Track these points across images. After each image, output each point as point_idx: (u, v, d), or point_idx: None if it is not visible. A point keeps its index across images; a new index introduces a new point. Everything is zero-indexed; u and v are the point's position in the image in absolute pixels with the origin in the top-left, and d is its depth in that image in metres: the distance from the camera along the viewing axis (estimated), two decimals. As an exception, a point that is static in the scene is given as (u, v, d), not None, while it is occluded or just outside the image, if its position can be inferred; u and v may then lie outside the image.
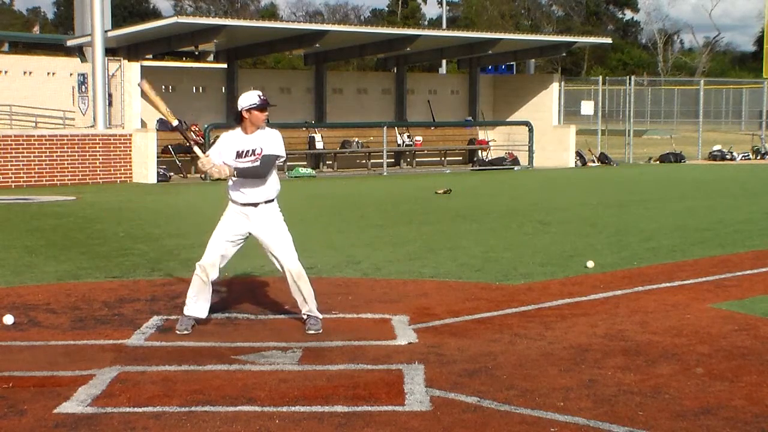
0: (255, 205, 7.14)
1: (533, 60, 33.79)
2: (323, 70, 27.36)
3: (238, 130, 7.17)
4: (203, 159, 7.14)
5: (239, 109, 7.12)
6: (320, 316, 7.31)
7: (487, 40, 28.05)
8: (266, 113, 7.16)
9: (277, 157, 7.13)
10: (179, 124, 7.41)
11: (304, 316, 7.30)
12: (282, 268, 7.24)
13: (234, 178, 7.11)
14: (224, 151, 7.15)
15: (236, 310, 7.98)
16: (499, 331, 7.22)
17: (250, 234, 7.25)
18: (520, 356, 6.51)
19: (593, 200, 17.75)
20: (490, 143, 29.05)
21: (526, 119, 28.14)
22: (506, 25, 73.27)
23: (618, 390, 5.74)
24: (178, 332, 7.12)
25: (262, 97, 7.14)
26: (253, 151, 7.07)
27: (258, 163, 7.06)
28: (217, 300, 8.23)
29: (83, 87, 23.07)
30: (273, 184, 7.21)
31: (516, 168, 27.20)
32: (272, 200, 7.22)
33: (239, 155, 7.10)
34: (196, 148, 7.30)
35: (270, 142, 7.12)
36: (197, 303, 7.25)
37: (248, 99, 7.13)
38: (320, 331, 7.16)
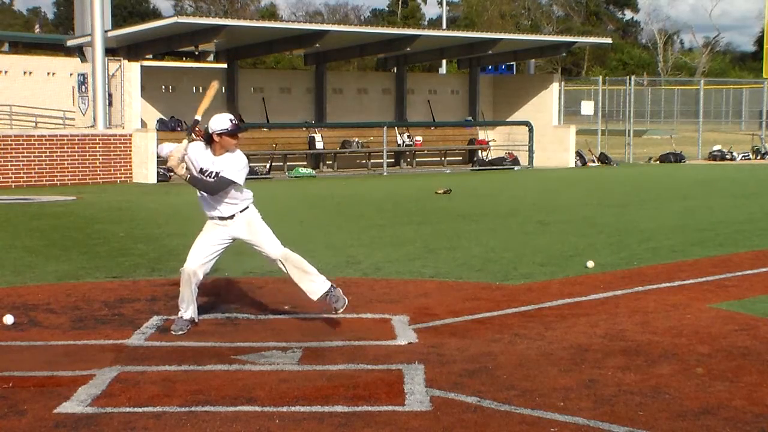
0: (231, 217, 7.19)
1: (533, 60, 33.81)
2: (323, 70, 27.36)
3: (209, 149, 7.09)
4: (179, 148, 7.07)
5: (210, 132, 7.02)
6: (335, 286, 7.26)
7: (487, 40, 28.06)
8: (237, 139, 7.07)
9: (231, 182, 7.05)
10: (195, 122, 7.29)
11: (326, 299, 7.21)
12: (272, 259, 7.27)
13: (186, 180, 7.14)
14: (192, 162, 7.10)
15: (236, 310, 7.98)
16: (499, 331, 7.22)
17: (234, 239, 7.27)
18: (520, 356, 6.51)
19: (593, 200, 17.76)
20: (490, 143, 29.05)
21: (526, 119, 28.14)
22: (506, 25, 73.26)
23: (618, 390, 5.74)
24: (173, 333, 7.13)
25: (233, 122, 7.05)
26: (217, 173, 7.04)
27: (213, 184, 7.04)
28: (217, 300, 8.25)
29: (83, 87, 23.07)
30: (243, 196, 7.21)
31: (516, 168, 27.20)
32: (247, 208, 7.23)
33: (202, 172, 7.09)
34: (185, 141, 7.14)
35: (229, 165, 7.04)
36: (189, 308, 7.27)
37: (220, 123, 7.00)
38: (346, 303, 7.15)
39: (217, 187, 7.06)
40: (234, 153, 7.12)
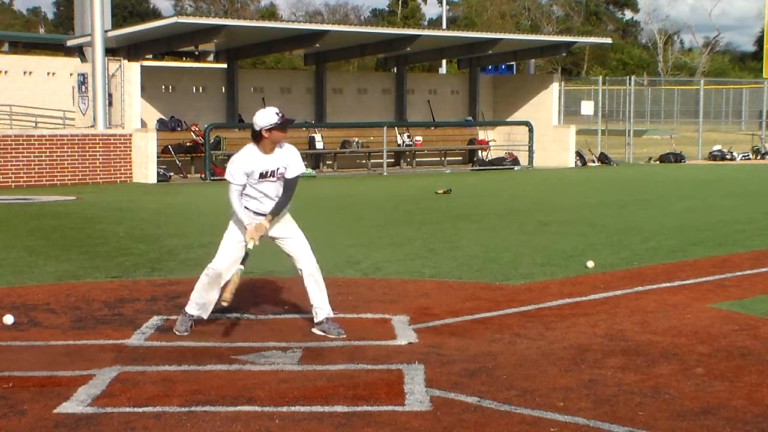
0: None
1: (533, 60, 33.80)
2: (323, 70, 27.36)
3: (255, 148, 6.94)
4: (255, 228, 6.95)
5: (258, 129, 6.89)
6: (332, 315, 7.22)
7: (487, 40, 28.06)
8: (286, 132, 6.97)
9: (299, 176, 7.05)
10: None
11: (322, 319, 7.17)
12: (300, 265, 7.15)
13: (267, 220, 6.99)
14: (248, 173, 6.94)
15: (236, 310, 7.97)
16: (499, 331, 7.22)
17: (265, 237, 7.11)
18: (520, 356, 6.51)
19: (593, 200, 17.76)
20: (490, 143, 29.06)
21: (526, 119, 28.14)
22: (506, 25, 73.25)
23: (618, 390, 5.74)
24: (177, 333, 7.10)
25: (280, 115, 6.90)
26: (277, 170, 6.96)
27: (287, 193, 6.97)
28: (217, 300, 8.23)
29: (83, 87, 23.07)
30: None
31: (516, 168, 27.20)
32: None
33: (263, 176, 6.94)
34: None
35: (293, 160, 7.00)
36: (203, 305, 7.17)
37: (267, 118, 6.87)
38: (341, 334, 7.05)
39: (293, 189, 7.00)
40: (284, 147, 7.01)
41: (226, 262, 7.12)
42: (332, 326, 7.11)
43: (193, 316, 7.20)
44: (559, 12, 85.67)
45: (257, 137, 6.93)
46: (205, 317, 7.27)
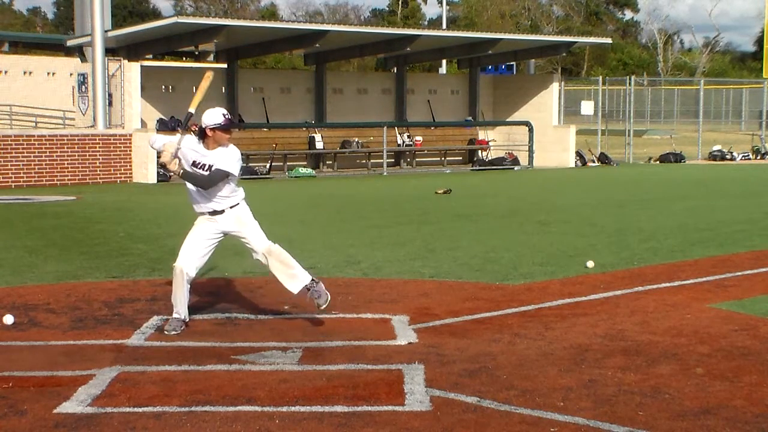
0: (221, 212, 7.21)
1: (533, 60, 33.81)
2: (323, 70, 27.36)
3: (201, 142, 7.13)
4: (173, 142, 7.10)
5: (203, 126, 7.06)
6: (317, 280, 7.29)
7: (487, 40, 28.07)
8: (230, 134, 7.13)
9: (227, 174, 7.07)
10: (189, 115, 7.28)
11: (307, 296, 7.25)
12: (258, 254, 7.27)
13: (182, 179, 7.16)
14: (184, 155, 7.13)
15: (236, 310, 7.98)
16: (499, 331, 7.22)
17: (224, 234, 7.28)
18: (520, 356, 6.51)
19: (593, 200, 17.76)
20: (490, 143, 29.06)
21: (526, 119, 28.15)
22: (506, 25, 73.23)
23: (618, 390, 5.74)
24: (166, 333, 7.13)
25: (226, 117, 7.07)
26: (210, 166, 7.08)
27: (209, 176, 7.05)
28: (216, 300, 8.25)
29: (83, 87, 23.07)
30: (236, 192, 7.22)
31: (516, 168, 27.20)
32: (237, 204, 7.24)
33: (195, 165, 7.12)
34: (179, 135, 7.14)
35: (224, 159, 7.08)
36: (182, 306, 7.25)
37: (213, 118, 7.04)
38: (329, 299, 7.17)
39: (211, 180, 7.06)
40: (227, 147, 7.15)
41: (189, 259, 7.22)
42: (317, 291, 7.19)
43: (179, 318, 7.24)
44: (559, 12, 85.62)
45: (202, 134, 7.09)
46: (186, 319, 7.30)
